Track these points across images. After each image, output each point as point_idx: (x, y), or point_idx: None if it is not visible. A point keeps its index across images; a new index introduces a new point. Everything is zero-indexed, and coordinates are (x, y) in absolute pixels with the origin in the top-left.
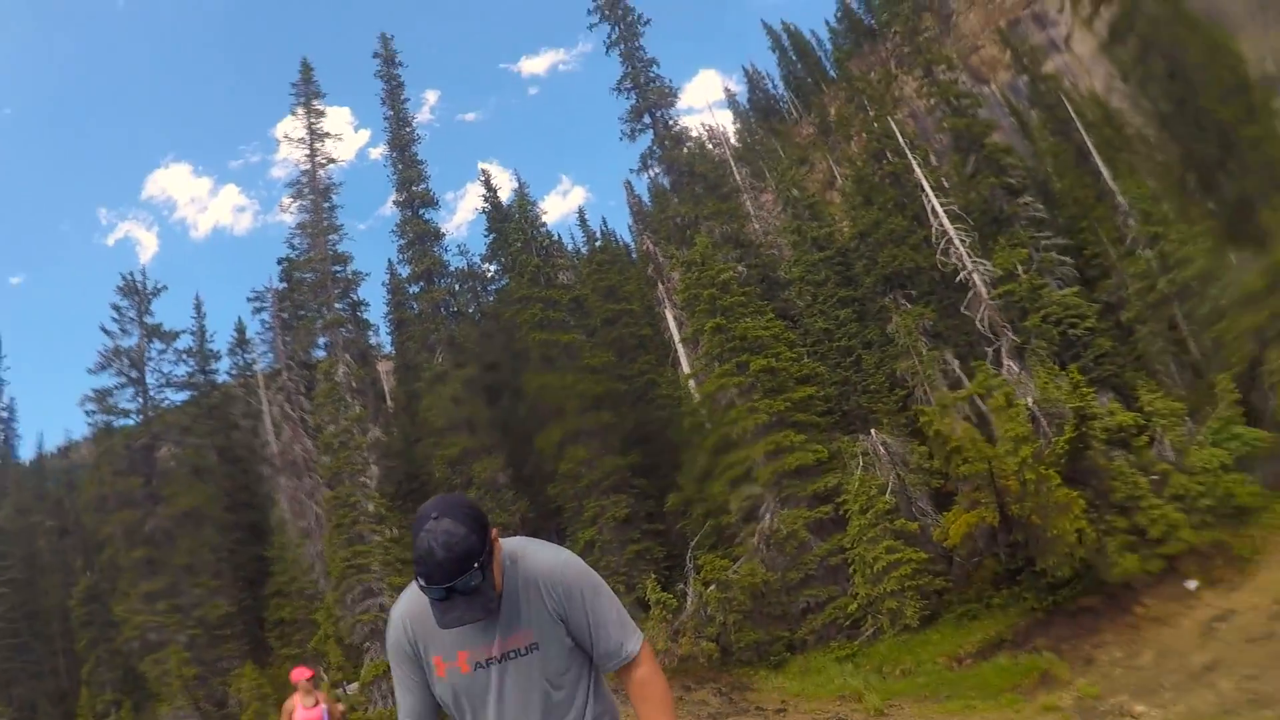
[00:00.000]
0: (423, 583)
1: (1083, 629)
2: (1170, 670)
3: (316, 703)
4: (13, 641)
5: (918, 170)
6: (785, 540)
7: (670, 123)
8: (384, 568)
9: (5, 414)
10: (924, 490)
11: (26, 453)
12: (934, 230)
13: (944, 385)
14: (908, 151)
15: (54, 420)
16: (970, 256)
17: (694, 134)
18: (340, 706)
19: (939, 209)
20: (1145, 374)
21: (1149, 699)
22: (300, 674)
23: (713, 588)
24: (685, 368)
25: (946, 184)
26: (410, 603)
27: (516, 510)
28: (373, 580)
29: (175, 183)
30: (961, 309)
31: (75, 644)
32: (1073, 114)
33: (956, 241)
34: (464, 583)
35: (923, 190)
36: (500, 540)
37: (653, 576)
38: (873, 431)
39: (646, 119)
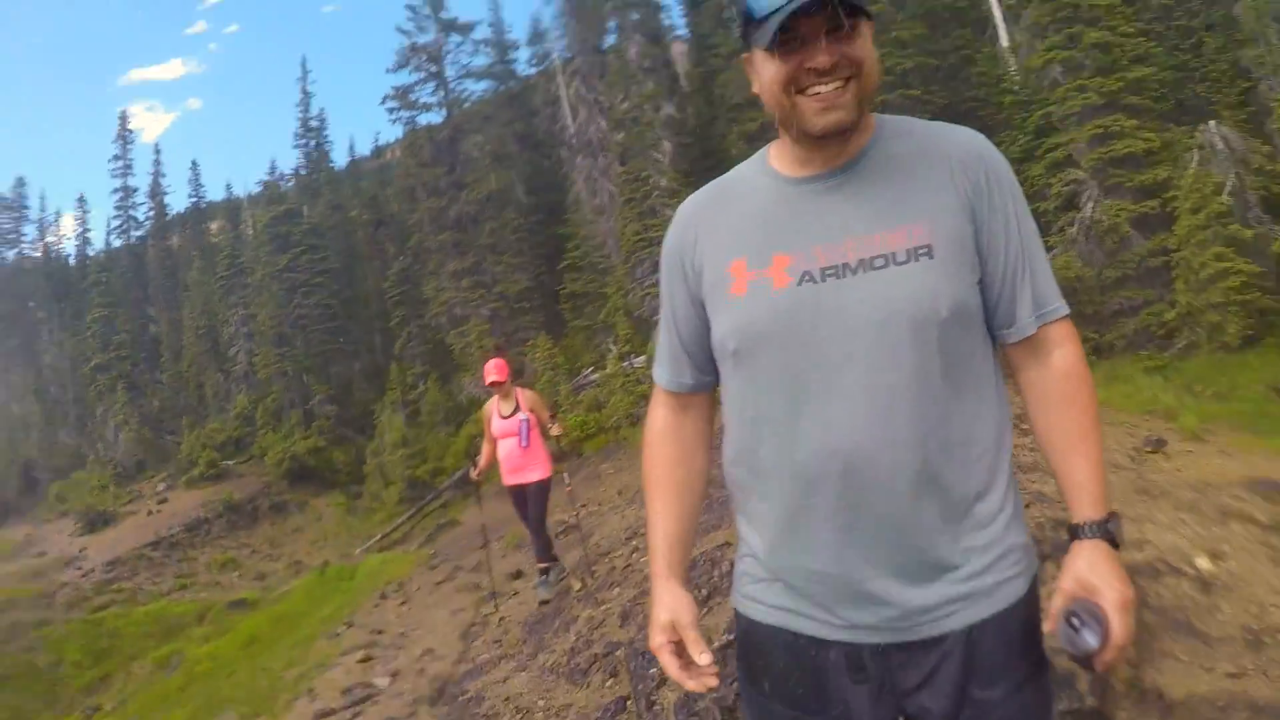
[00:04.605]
0: None
1: None
2: None
3: (516, 409)
4: (330, 325)
5: None
6: (1106, 233)
7: None
8: None
9: (316, 123)
10: (1261, 196)
11: (340, 158)
12: None
13: None
14: None
15: (365, 127)
16: None
17: None
18: (546, 410)
19: None
20: None
21: None
22: (492, 371)
23: None
24: (1005, 42)
25: None
26: (704, 189)
27: None
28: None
29: None
30: None
31: (388, 324)
32: None
33: None
34: None
35: None
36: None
37: None
38: (1212, 123)
39: None
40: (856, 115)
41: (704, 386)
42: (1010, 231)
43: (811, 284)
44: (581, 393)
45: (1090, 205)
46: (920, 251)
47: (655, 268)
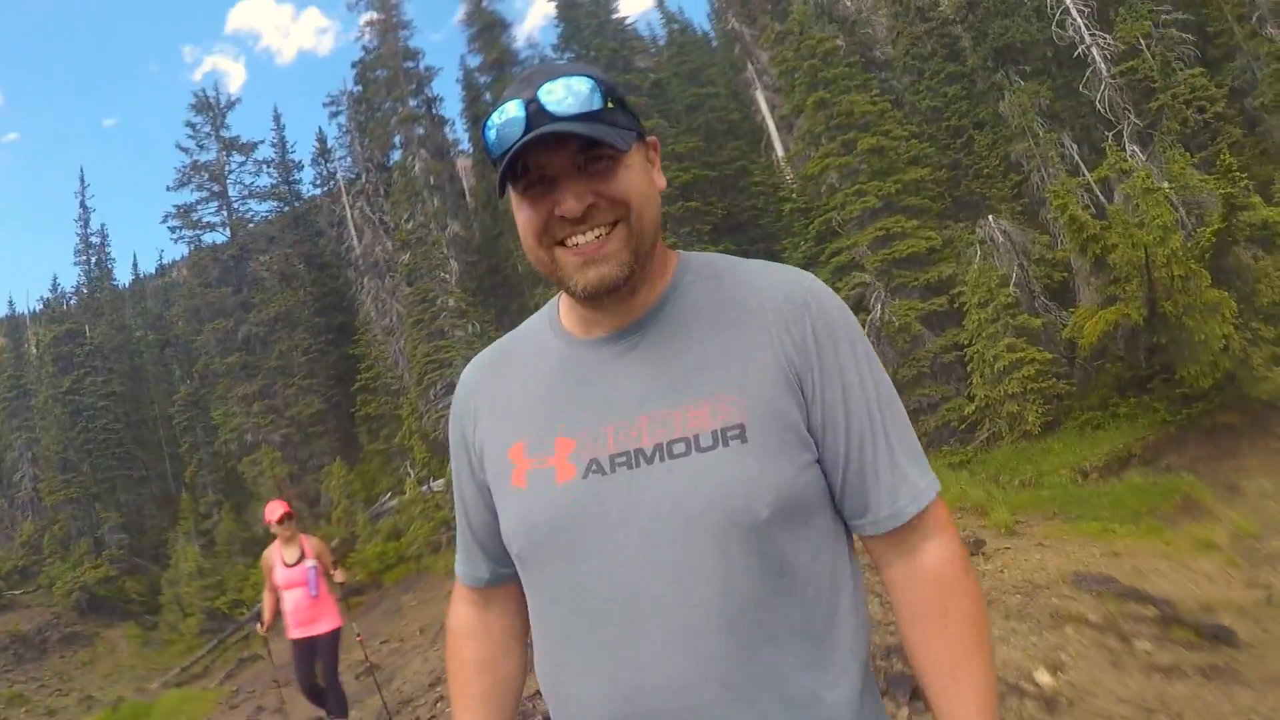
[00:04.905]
0: (500, 108)
1: (1221, 450)
2: None
3: (301, 555)
4: (118, 451)
5: None
6: (897, 333)
7: None
8: (466, 363)
9: (96, 239)
10: (1044, 284)
11: (124, 276)
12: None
13: (1063, 170)
14: None
15: (149, 244)
16: (1088, 29)
17: None
18: (329, 556)
19: None
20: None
21: None
22: (274, 511)
23: None
24: (780, 151)
25: None
26: (489, 351)
27: None
28: (454, 375)
29: (257, 13)
30: (1079, 88)
31: (178, 449)
32: None
33: (1074, 12)
34: (574, 96)
35: None
36: (682, 253)
37: None
38: (990, 218)
39: None
40: (629, 267)
41: (504, 580)
42: (851, 398)
43: (599, 476)
44: (379, 520)
45: (879, 306)
46: (730, 433)
47: (448, 389)
